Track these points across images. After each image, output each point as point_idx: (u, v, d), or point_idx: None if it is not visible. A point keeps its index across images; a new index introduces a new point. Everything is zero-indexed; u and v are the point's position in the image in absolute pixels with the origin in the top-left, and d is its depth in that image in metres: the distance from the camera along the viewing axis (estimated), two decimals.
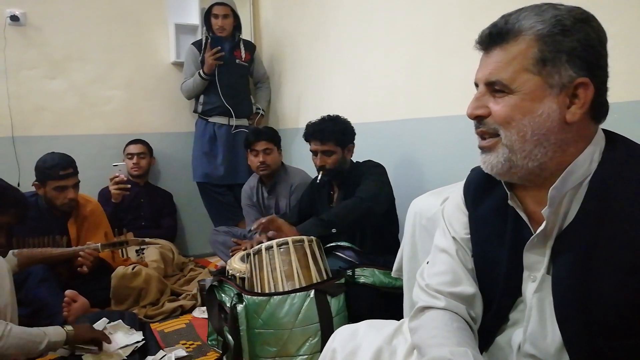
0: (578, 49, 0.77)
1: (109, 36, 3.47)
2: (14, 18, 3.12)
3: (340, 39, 2.92)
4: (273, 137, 2.84)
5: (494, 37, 0.82)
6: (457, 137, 2.12)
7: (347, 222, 2.03)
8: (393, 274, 1.79)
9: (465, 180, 1.03)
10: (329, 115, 2.32)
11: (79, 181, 2.53)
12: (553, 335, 0.82)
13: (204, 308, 2.41)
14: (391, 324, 1.09)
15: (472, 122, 0.88)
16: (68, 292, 2.21)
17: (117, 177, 2.84)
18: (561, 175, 0.80)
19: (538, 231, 0.83)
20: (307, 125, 2.32)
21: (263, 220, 1.95)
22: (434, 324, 0.91)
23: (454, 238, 0.99)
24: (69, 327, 1.78)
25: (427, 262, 1.04)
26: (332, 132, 2.24)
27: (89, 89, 3.44)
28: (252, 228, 1.92)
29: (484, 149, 0.86)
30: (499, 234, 0.91)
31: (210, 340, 2.04)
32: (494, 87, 0.82)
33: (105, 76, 3.48)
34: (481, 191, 0.96)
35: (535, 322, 0.85)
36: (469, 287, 0.95)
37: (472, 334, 0.91)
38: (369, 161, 2.30)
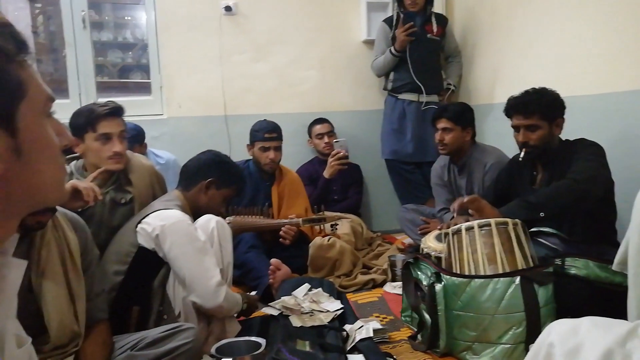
0: None
1: (306, 18, 3.66)
2: (228, 8, 3.47)
3: (545, 3, 2.65)
4: (455, 115, 2.72)
5: None
6: None
7: (558, 206, 1.85)
8: (614, 267, 1.57)
9: None
10: (533, 88, 2.12)
11: (281, 146, 2.88)
12: None
13: (395, 284, 2.44)
14: (622, 324, 0.96)
15: None
16: (273, 260, 2.42)
17: (339, 152, 3.08)
18: None
19: None
20: (509, 99, 2.16)
21: (465, 199, 1.88)
22: None
23: None
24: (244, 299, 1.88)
25: None
26: (537, 105, 2.05)
27: (287, 70, 3.67)
28: (452, 207, 1.87)
29: None
30: None
31: (403, 316, 2.05)
32: None
33: (302, 57, 3.69)
34: None
35: None
36: None
37: None
38: (583, 139, 2.06)
